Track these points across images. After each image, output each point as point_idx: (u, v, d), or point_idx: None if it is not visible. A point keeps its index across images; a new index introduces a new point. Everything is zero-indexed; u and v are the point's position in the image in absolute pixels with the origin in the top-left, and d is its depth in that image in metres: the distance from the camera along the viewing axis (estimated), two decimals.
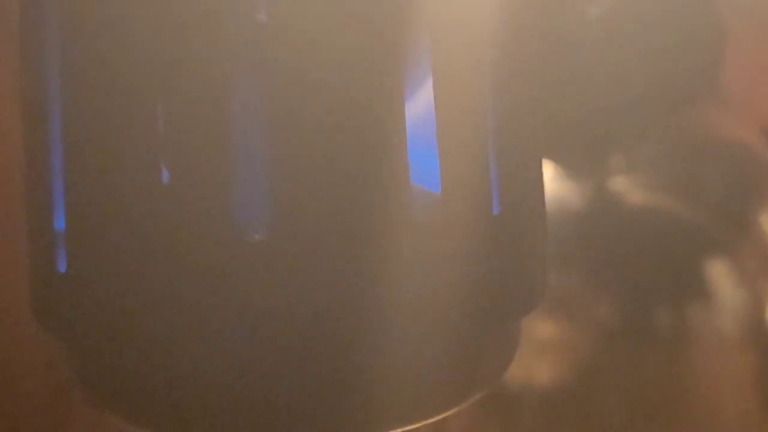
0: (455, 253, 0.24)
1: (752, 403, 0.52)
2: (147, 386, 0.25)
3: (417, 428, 0.25)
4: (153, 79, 0.23)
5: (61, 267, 0.25)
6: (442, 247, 0.24)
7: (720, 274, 0.52)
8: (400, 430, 0.25)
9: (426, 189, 0.24)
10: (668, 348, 0.51)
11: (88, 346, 0.25)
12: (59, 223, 0.25)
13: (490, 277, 0.25)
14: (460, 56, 0.25)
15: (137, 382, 0.25)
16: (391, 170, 0.23)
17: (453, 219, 0.24)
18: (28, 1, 0.26)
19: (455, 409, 0.26)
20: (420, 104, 0.24)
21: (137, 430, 0.25)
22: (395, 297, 0.24)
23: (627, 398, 0.51)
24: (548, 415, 0.50)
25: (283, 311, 0.23)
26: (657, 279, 0.51)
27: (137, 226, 0.24)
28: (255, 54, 0.23)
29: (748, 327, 0.52)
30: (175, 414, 0.24)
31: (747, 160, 0.55)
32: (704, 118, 0.54)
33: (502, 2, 0.26)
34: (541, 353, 0.50)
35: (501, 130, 0.25)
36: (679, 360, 0.51)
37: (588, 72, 0.48)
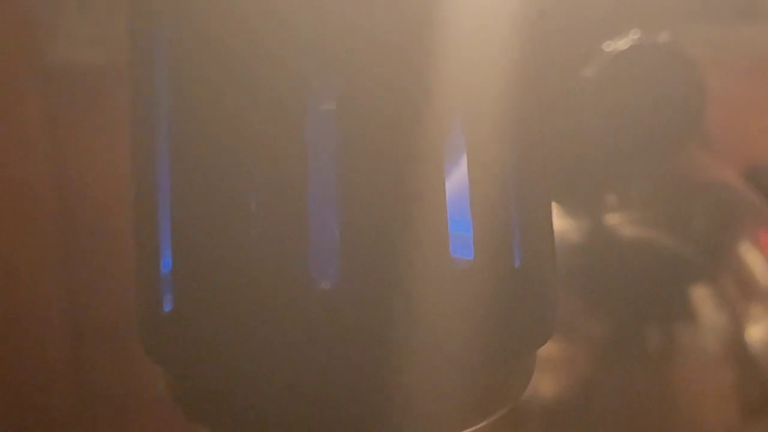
0: (485, 300, 0.27)
1: (733, 413, 0.53)
2: (232, 405, 0.28)
3: None
4: (247, 161, 0.26)
5: (167, 307, 0.28)
6: (475, 295, 0.27)
7: (703, 299, 0.52)
8: None
9: (463, 245, 0.27)
10: (657, 364, 0.52)
11: (185, 372, 0.28)
12: (165, 268, 0.28)
13: (513, 317, 0.28)
14: (486, 132, 0.27)
15: (224, 402, 0.28)
16: (434, 223, 0.27)
17: (483, 274, 0.27)
18: (137, 54, 0.28)
19: (484, 423, 0.29)
20: (456, 183, 0.27)
21: None
22: (435, 335, 0.27)
23: (620, 409, 0.51)
24: (550, 424, 0.51)
25: (343, 344, 0.27)
26: (647, 303, 0.52)
27: (229, 274, 0.27)
28: (327, 144, 0.26)
29: (729, 345, 0.53)
30: (253, 426, 0.28)
31: (727, 198, 0.56)
32: (689, 162, 0.55)
33: (513, 73, 0.28)
34: (544, 369, 0.51)
35: (521, 196, 0.28)
36: (667, 375, 0.52)
37: (586, 123, 0.50)
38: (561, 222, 0.52)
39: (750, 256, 0.54)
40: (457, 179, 0.27)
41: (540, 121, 0.30)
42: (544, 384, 0.52)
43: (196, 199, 0.27)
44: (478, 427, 0.29)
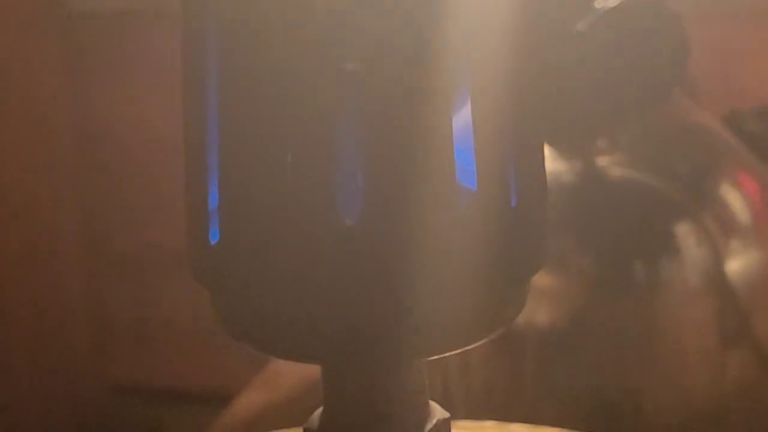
0: (485, 235, 0.30)
1: (713, 339, 0.55)
2: (270, 323, 0.31)
3: (449, 355, 0.31)
4: (284, 115, 0.29)
5: (214, 239, 0.31)
6: (476, 230, 0.30)
7: (686, 234, 0.54)
8: (443, 355, 0.31)
9: (467, 187, 0.30)
10: (643, 295, 0.54)
11: (230, 296, 0.31)
12: (213, 206, 0.31)
13: (509, 249, 0.31)
14: (487, 77, 0.30)
15: (264, 322, 0.31)
16: (442, 171, 0.29)
17: (484, 212, 0.30)
18: (189, 12, 0.30)
19: (480, 343, 0.31)
20: (462, 122, 0.30)
21: (261, 353, 0.32)
22: (441, 264, 0.30)
23: (608, 336, 0.53)
24: (545, 349, 0.54)
25: (363, 272, 0.30)
26: (634, 238, 0.54)
27: (268, 213, 0.30)
28: (350, 100, 0.29)
29: (709, 277, 0.54)
30: (287, 340, 0.31)
31: (709, 141, 0.59)
32: (673, 108, 0.57)
33: (513, 28, 0.30)
34: (539, 299, 0.54)
35: (518, 141, 0.30)
36: (652, 305, 0.54)
37: (579, 73, 0.52)
38: (555, 164, 0.55)
39: (729, 195, 0.56)
40: (462, 128, 0.30)
41: (537, 71, 0.32)
42: (540, 314, 0.54)
43: (240, 146, 0.31)
44: (477, 344, 0.32)
